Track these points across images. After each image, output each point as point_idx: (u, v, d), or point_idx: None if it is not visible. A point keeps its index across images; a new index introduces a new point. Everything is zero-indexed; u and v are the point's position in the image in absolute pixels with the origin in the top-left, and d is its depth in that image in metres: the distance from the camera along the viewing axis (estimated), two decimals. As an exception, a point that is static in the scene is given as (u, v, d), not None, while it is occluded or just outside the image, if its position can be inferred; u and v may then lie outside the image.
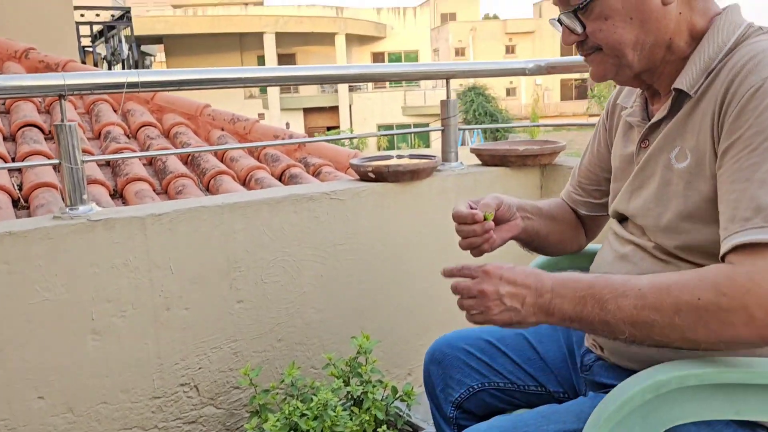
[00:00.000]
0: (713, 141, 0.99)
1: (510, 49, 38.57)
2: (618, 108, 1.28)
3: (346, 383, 1.78)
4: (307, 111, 29.90)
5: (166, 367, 1.77)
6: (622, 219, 1.22)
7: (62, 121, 1.67)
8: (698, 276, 0.90)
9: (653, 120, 1.11)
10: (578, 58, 2.64)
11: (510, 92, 37.71)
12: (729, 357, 0.92)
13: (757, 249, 0.87)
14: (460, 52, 37.78)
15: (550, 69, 2.36)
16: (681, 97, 1.06)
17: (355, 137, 2.95)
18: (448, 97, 2.25)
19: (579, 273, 1.02)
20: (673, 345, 0.91)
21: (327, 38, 29.69)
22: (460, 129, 2.32)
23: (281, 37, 28.83)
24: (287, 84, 1.98)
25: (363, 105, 29.96)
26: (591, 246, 1.49)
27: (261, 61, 29.66)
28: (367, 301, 2.07)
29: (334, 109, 29.82)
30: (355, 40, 31.45)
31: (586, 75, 1.20)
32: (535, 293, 0.99)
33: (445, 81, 2.25)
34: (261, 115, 28.20)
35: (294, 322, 1.95)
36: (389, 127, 28.84)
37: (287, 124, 29.06)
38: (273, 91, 29.28)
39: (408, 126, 29.92)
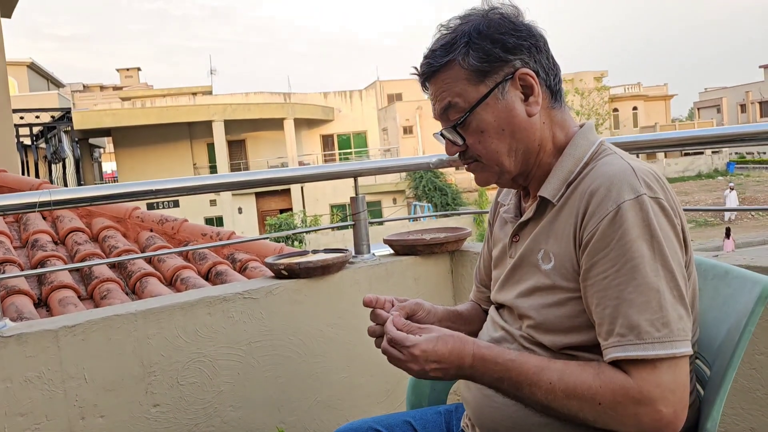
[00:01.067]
0: (575, 249, 1.14)
1: (455, 125, 39.61)
2: (498, 205, 1.44)
3: (262, 480, 1.83)
4: (259, 195, 30.02)
5: (82, 477, 1.79)
6: (499, 306, 1.35)
7: (-26, 242, 1.74)
8: (600, 381, 1.05)
9: (521, 220, 1.27)
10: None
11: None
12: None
13: (639, 364, 1.04)
14: (408, 130, 38.76)
15: (451, 162, 2.54)
16: (545, 202, 1.22)
17: (269, 237, 3.03)
18: (356, 194, 2.39)
19: (498, 349, 1.16)
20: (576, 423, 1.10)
21: (276, 123, 30.18)
22: (412, 216, 2.45)
23: (230, 124, 29.21)
24: (197, 193, 2.09)
25: (314, 186, 30.18)
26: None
27: (211, 148, 29.90)
28: (285, 395, 2.13)
29: (286, 192, 30.02)
30: (303, 123, 32.04)
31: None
32: (456, 368, 1.15)
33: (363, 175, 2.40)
34: (213, 201, 28.18)
35: (212, 422, 2.00)
36: (342, 206, 29.10)
37: (239, 209, 29.11)
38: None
39: (360, 204, 30.10)
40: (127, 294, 3.09)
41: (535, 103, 1.19)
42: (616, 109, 44.92)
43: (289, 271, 2.16)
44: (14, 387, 1.71)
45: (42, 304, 2.88)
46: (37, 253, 3.24)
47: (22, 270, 3.10)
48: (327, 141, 33.88)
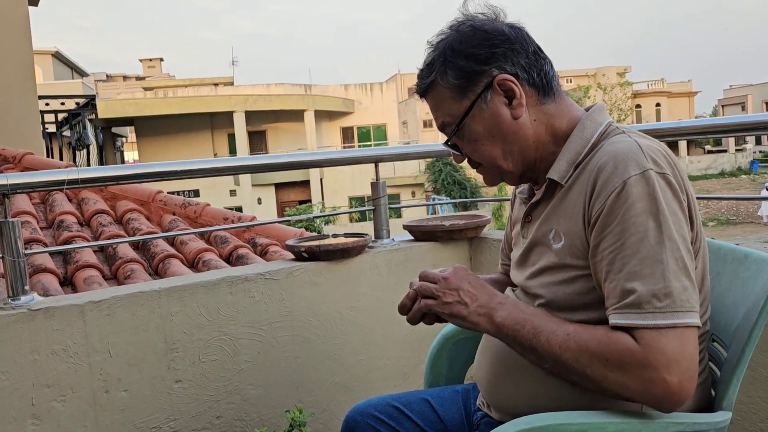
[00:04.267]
0: (584, 227, 1.15)
1: (476, 119, 39.47)
2: (517, 188, 1.46)
3: (280, 456, 1.86)
4: (279, 186, 30.15)
5: (106, 449, 1.84)
6: (515, 287, 1.37)
7: (5, 217, 1.79)
8: (610, 339, 1.06)
9: (532, 201, 1.30)
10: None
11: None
12: (576, 412, 1.05)
13: (643, 332, 1.04)
14: (428, 123, 38.70)
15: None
16: (553, 185, 1.24)
17: (290, 219, 3.09)
18: (377, 179, 2.42)
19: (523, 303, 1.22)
20: (584, 386, 1.09)
21: (296, 115, 30.29)
22: (431, 203, 2.47)
23: (251, 115, 29.35)
24: (220, 174, 2.13)
25: (334, 178, 30.32)
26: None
27: (231, 139, 30.07)
28: (304, 375, 2.16)
29: (306, 184, 30.12)
30: (324, 115, 32.12)
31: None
32: (487, 298, 1.19)
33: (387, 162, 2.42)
34: (233, 192, 28.37)
35: (232, 399, 2.04)
36: (361, 199, 29.16)
37: (259, 200, 29.27)
38: (244, 168, 29.34)
39: (379, 197, 30.12)
40: (150, 275, 3.15)
41: (519, 105, 1.22)
42: (638, 105, 44.48)
43: (309, 253, 2.19)
44: (41, 359, 1.76)
45: (67, 282, 2.95)
46: (63, 233, 3.31)
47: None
48: (347, 133, 33.94)
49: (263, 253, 3.61)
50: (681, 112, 47.53)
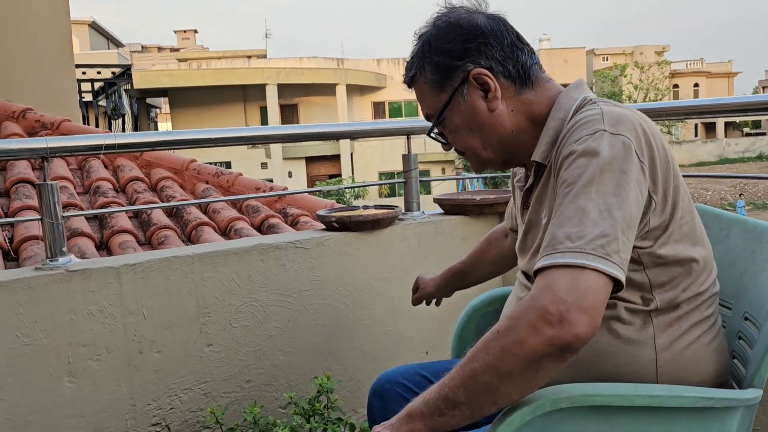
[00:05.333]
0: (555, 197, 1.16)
1: (509, 96, 39.04)
2: (514, 175, 1.49)
3: (308, 421, 1.89)
4: (310, 160, 30.28)
5: (139, 408, 1.89)
6: (525, 274, 1.38)
7: (44, 180, 1.84)
8: (499, 323, 1.01)
9: (526, 187, 1.32)
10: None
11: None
12: (604, 383, 1.05)
13: (541, 272, 0.99)
14: (459, 100, 38.32)
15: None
16: (539, 167, 1.25)
17: (321, 190, 3.10)
18: (409, 152, 2.42)
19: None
20: (500, 394, 0.98)
21: (328, 89, 30.27)
22: (461, 178, 2.47)
23: (283, 89, 29.42)
24: (253, 142, 2.14)
25: (364, 153, 30.34)
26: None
27: (264, 111, 30.21)
28: (332, 343, 2.19)
29: (336, 158, 30.20)
30: (356, 90, 32.05)
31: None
32: (399, 414, 1.08)
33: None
34: (264, 164, 28.57)
35: (262, 365, 2.08)
36: (390, 174, 29.14)
37: (289, 173, 29.44)
38: (275, 141, 29.55)
39: (409, 173, 30.07)
40: (183, 241, 3.20)
41: (494, 98, 1.24)
42: (676, 85, 43.57)
43: (340, 223, 2.20)
44: (78, 319, 1.80)
45: (103, 246, 3.01)
46: (99, 198, 3.38)
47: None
48: (378, 108, 33.83)
49: (294, 224, 3.64)
50: (720, 93, 46.44)
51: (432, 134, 1.36)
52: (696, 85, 44.83)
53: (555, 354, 0.94)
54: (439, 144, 1.38)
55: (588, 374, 1.14)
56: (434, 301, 1.87)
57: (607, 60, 44.01)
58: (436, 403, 1.03)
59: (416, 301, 1.86)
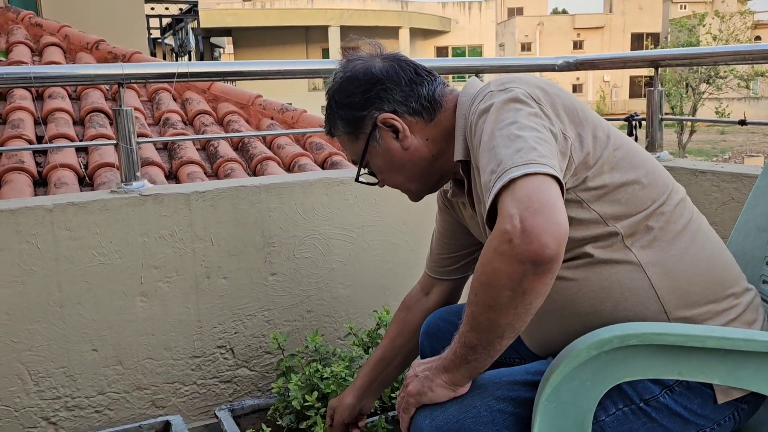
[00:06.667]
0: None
1: (578, 45, 37.91)
2: (446, 192, 1.49)
3: (366, 352, 1.94)
4: (369, 104, 30.16)
5: (205, 330, 1.97)
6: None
7: (120, 106, 1.88)
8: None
9: (466, 191, 1.30)
10: (613, 54, 2.71)
11: (576, 88, 37.11)
12: (674, 323, 1.04)
13: (498, 209, 0.97)
14: (525, 47, 37.36)
15: (578, 65, 2.45)
16: (466, 164, 1.25)
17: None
18: (476, 90, 2.37)
19: None
20: (502, 327, 0.99)
21: (391, 32, 29.86)
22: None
23: (346, 31, 29.14)
24: (320, 76, 2.14)
25: (425, 99, 30.01)
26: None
27: (326, 54, 30.09)
28: (391, 280, 2.22)
29: (396, 102, 29.99)
30: (419, 34, 31.53)
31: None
32: (437, 359, 1.14)
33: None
34: (323, 108, 28.56)
35: (323, 296, 2.12)
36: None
37: (349, 117, 29.37)
38: (336, 84, 29.49)
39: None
40: (248, 175, 3.26)
41: (405, 137, 1.28)
42: (758, 37, 41.23)
43: (404, 161, 2.19)
44: (150, 242, 1.87)
45: (172, 176, 3.10)
46: (168, 130, 3.46)
47: (155, 144, 3.32)
48: (441, 53, 33.26)
49: (356, 162, 3.64)
50: (805, 46, 43.66)
51: (360, 179, 1.38)
52: (779, 37, 42.33)
53: (530, 270, 0.93)
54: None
55: (592, 324, 1.08)
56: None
57: (684, 8, 41.89)
58: (460, 352, 1.07)
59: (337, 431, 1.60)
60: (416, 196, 1.41)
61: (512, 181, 0.96)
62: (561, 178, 0.98)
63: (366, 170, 1.37)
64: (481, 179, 1.04)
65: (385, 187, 1.42)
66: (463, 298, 1.67)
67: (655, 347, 1.00)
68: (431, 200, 2.23)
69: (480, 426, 1.07)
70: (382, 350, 1.60)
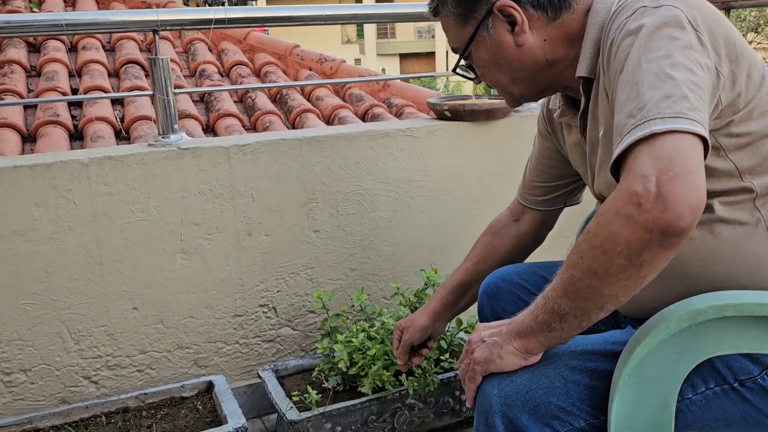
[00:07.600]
0: (607, 99, 1.02)
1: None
2: (551, 113, 1.34)
3: (413, 312, 1.86)
4: (404, 57, 29.69)
5: (247, 288, 1.91)
6: (600, 198, 1.23)
7: (156, 55, 1.79)
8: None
9: (581, 111, 1.16)
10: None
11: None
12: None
13: (618, 166, 0.88)
14: None
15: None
16: (588, 82, 1.11)
17: (423, 76, 2.94)
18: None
19: None
20: (605, 297, 0.89)
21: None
22: None
23: (380, -20, 28.56)
24: (368, 22, 2.02)
25: (460, 51, 29.42)
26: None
27: (359, 0, 29.60)
28: (438, 238, 2.12)
29: (431, 55, 29.47)
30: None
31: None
32: (508, 324, 1.04)
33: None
34: (357, 61, 28.28)
35: (367, 254, 2.04)
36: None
37: (383, 70, 29.04)
38: (369, 37, 29.17)
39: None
40: (287, 128, 3.17)
41: (522, 32, 1.12)
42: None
43: (452, 112, 2.08)
44: (189, 197, 1.80)
45: (209, 129, 3.03)
46: (205, 81, 3.37)
47: (191, 97, 3.24)
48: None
49: (398, 114, 3.53)
50: None
51: (458, 70, 1.24)
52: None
53: (656, 240, 0.82)
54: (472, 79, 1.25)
55: (697, 288, 0.98)
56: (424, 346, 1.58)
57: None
58: (543, 318, 0.97)
59: (403, 353, 1.53)
60: (515, 102, 1.25)
61: (654, 135, 0.84)
62: (708, 138, 0.86)
63: (465, 62, 1.22)
64: (615, 117, 0.92)
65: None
66: (533, 257, 1.58)
67: (752, 319, 0.90)
68: (477, 150, 2.12)
69: (552, 397, 0.99)
70: (462, 274, 1.52)
